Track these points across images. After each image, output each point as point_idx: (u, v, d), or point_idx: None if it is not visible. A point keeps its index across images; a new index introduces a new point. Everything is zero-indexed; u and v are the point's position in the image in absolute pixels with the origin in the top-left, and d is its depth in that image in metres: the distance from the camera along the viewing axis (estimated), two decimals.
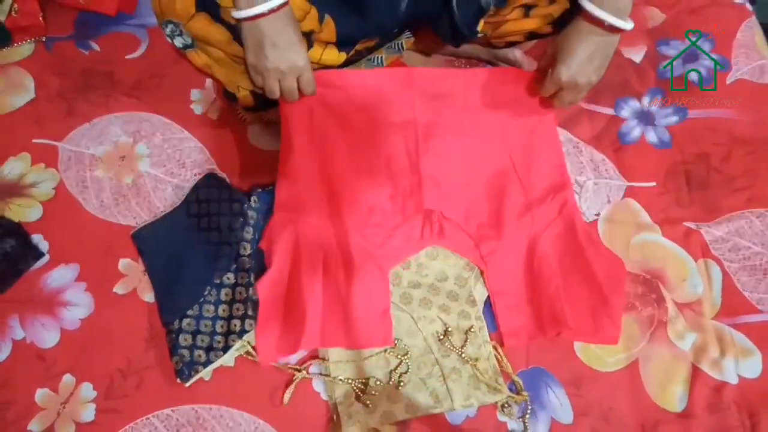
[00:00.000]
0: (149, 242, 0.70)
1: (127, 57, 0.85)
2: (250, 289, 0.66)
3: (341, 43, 0.68)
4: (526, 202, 0.70)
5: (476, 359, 0.64)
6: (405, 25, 0.74)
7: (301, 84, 0.63)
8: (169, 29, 0.65)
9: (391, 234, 0.68)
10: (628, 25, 0.60)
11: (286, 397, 0.63)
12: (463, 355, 0.64)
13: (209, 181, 0.73)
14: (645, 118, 0.81)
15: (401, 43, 0.78)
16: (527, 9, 0.67)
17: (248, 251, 0.68)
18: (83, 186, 0.76)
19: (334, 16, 0.64)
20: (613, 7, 0.59)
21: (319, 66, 0.68)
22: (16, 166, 0.77)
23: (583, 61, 0.62)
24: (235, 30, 0.59)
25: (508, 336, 0.66)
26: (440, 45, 0.82)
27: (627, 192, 0.76)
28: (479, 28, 0.68)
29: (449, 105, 0.70)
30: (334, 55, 0.68)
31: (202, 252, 0.68)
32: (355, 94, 0.69)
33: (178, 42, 0.66)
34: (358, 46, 0.70)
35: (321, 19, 0.63)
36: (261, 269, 0.67)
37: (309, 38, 0.64)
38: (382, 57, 0.79)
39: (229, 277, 0.67)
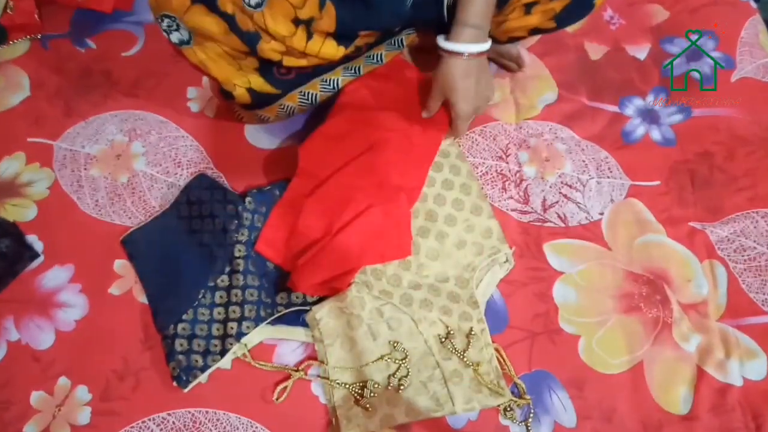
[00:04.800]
0: (140, 247, 0.69)
1: (123, 54, 0.84)
2: (246, 291, 0.65)
3: (340, 36, 0.67)
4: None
5: (478, 363, 0.63)
6: (406, 23, 0.73)
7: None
8: (165, 23, 0.64)
9: None
10: (485, 46, 0.66)
11: (277, 393, 0.62)
12: (464, 359, 0.63)
13: (201, 181, 0.72)
14: (649, 116, 0.80)
15: (401, 40, 0.77)
16: (528, 7, 0.66)
17: (243, 253, 0.67)
18: (78, 185, 0.75)
19: (335, 3, 0.63)
20: (469, 36, 0.64)
21: (318, 59, 0.67)
22: (11, 166, 0.76)
23: (469, 90, 0.68)
24: (231, 21, 0.58)
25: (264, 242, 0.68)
26: None
27: (630, 191, 0.75)
28: None
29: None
30: (332, 49, 0.67)
31: (195, 254, 0.67)
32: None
33: (175, 37, 0.65)
34: (358, 42, 0.69)
35: (322, 5, 0.62)
36: (255, 271, 0.67)
37: (308, 27, 0.63)
38: (382, 54, 0.78)
39: (224, 280, 0.66)
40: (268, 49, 0.63)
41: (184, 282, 0.66)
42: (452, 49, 0.65)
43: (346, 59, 0.71)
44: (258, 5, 0.59)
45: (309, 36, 0.64)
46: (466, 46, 0.64)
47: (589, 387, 0.64)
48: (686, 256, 0.71)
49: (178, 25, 0.63)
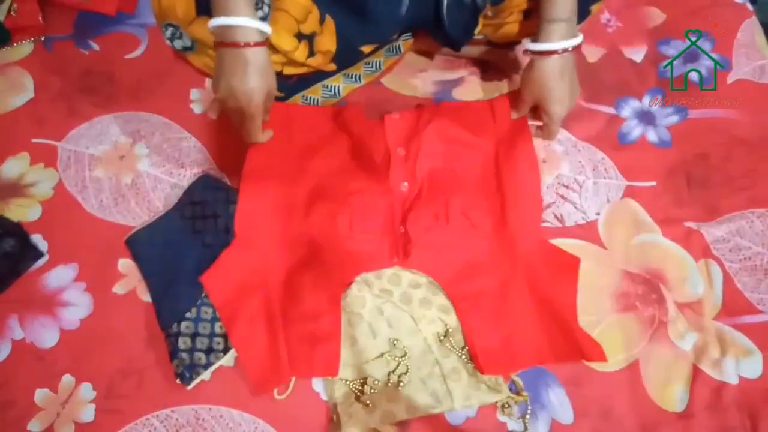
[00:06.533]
0: (144, 246, 0.70)
1: (126, 57, 0.85)
2: None
3: (341, 58, 0.68)
4: (503, 245, 0.67)
5: None
6: (403, 30, 0.74)
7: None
8: (169, 32, 0.65)
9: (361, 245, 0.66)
10: (580, 38, 0.62)
11: (276, 389, 0.63)
12: (463, 356, 0.64)
13: (204, 182, 0.73)
14: (646, 118, 0.81)
15: (399, 46, 0.78)
16: (526, 14, 0.67)
17: None
18: (82, 186, 0.76)
19: (335, 18, 0.64)
20: (562, 31, 0.61)
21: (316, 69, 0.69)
22: (16, 166, 0.77)
23: (564, 92, 0.65)
24: None
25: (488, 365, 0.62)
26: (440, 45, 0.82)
27: (626, 192, 0.76)
28: (477, 30, 0.68)
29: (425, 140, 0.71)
30: (332, 66, 0.69)
31: (197, 254, 0.68)
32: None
33: (178, 44, 0.67)
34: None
35: (322, 20, 0.63)
36: None
37: (310, 44, 0.64)
38: (381, 60, 0.78)
39: None
40: None
41: (187, 281, 0.67)
42: (547, 49, 0.61)
43: (345, 65, 0.72)
44: (263, 19, 0.60)
45: (311, 54, 0.65)
46: (561, 43, 0.61)
47: (587, 384, 0.64)
48: (682, 256, 0.71)
49: (181, 34, 0.64)
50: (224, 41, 0.56)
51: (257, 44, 0.56)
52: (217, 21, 0.56)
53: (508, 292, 0.65)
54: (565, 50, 0.62)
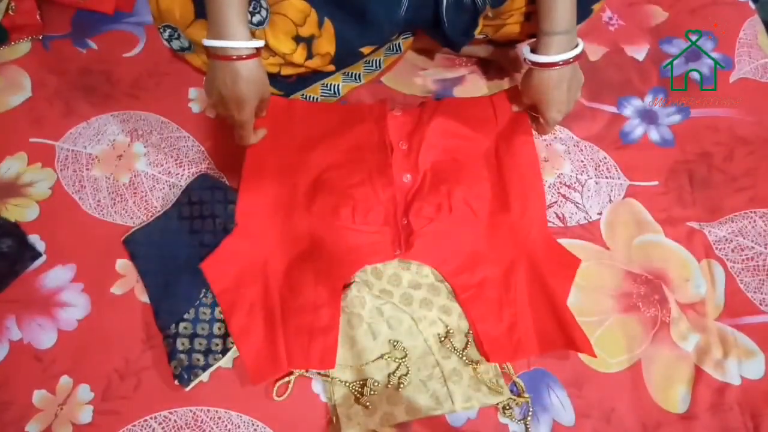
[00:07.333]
0: (141, 246, 0.69)
1: (124, 55, 0.85)
2: None
3: (340, 60, 0.68)
4: (505, 236, 0.67)
5: (477, 362, 0.63)
6: (403, 30, 0.74)
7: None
8: (167, 33, 0.65)
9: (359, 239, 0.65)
10: (579, 49, 0.62)
11: (278, 390, 0.63)
12: (464, 357, 0.63)
13: (203, 182, 0.72)
14: (648, 116, 0.81)
15: (399, 44, 0.78)
16: (527, 16, 0.66)
17: None
18: (80, 185, 0.75)
19: (334, 21, 0.63)
20: (560, 44, 0.61)
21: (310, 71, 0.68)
22: (13, 166, 0.76)
23: (562, 99, 0.65)
24: None
25: (494, 353, 0.62)
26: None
27: (628, 191, 0.75)
28: (477, 31, 0.68)
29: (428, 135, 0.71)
30: (331, 67, 0.69)
31: (195, 254, 0.67)
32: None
33: (176, 45, 0.66)
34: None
35: (320, 23, 0.63)
36: None
37: (309, 47, 0.64)
38: (381, 59, 0.78)
39: None
40: (267, 64, 0.63)
41: (185, 281, 0.66)
42: (546, 62, 0.62)
43: (346, 64, 0.72)
44: (260, 23, 0.60)
45: (309, 56, 0.65)
46: (560, 56, 0.61)
47: (588, 386, 0.64)
48: (684, 256, 0.71)
49: (179, 35, 0.64)
50: (217, 54, 0.57)
51: (249, 57, 0.57)
52: (211, 42, 0.56)
53: (510, 282, 0.65)
54: (564, 62, 0.62)
